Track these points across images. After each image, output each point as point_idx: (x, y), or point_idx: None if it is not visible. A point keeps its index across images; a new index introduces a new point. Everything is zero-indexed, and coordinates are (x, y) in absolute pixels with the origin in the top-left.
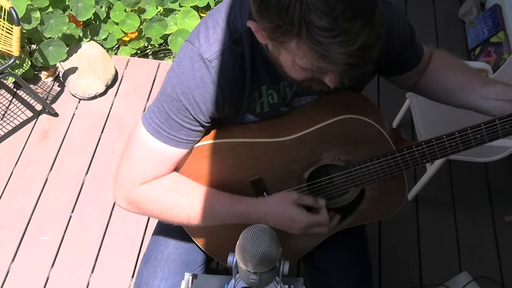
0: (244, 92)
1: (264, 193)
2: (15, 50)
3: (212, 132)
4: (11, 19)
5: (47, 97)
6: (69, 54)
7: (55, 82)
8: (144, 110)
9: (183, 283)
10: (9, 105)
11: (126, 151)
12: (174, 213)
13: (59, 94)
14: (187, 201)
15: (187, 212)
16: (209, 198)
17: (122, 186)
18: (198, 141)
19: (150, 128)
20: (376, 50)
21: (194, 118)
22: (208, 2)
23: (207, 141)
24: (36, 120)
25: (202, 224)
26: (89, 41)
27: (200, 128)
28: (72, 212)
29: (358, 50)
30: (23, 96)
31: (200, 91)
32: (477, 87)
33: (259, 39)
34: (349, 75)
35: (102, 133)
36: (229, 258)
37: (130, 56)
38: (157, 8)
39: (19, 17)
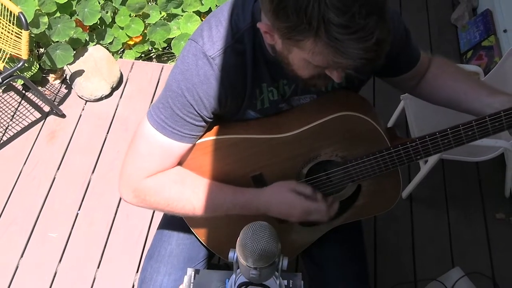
0: (245, 89)
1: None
2: (23, 54)
3: (215, 129)
4: (20, 23)
5: (55, 99)
6: (76, 58)
7: (63, 85)
8: None
9: (186, 278)
10: (18, 106)
11: (132, 146)
12: (180, 205)
13: (66, 96)
14: (192, 192)
15: (192, 203)
16: (213, 190)
17: (127, 180)
18: (201, 137)
19: (155, 123)
20: (388, 44)
21: (198, 113)
22: (210, 7)
23: (210, 137)
24: (44, 121)
25: (206, 215)
26: (95, 45)
27: (203, 123)
28: (79, 209)
29: (374, 45)
30: (31, 98)
31: (204, 87)
32: (483, 96)
33: (267, 40)
34: (363, 69)
35: (107, 133)
36: (230, 254)
37: (135, 59)
38: (160, 13)
39: (28, 22)
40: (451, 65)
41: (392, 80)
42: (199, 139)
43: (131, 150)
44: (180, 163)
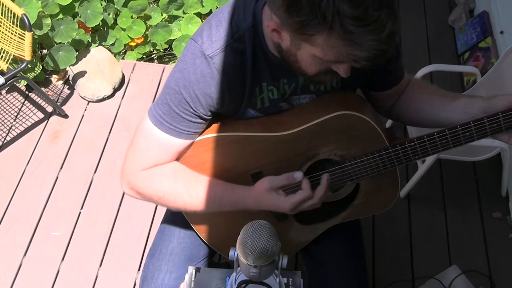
0: (244, 88)
1: None
2: (27, 55)
3: (215, 126)
4: (24, 25)
5: (58, 99)
6: (79, 59)
7: (65, 85)
8: None
9: (187, 276)
10: (22, 107)
11: (132, 141)
12: (171, 199)
13: (69, 96)
14: (184, 188)
15: (183, 198)
16: (204, 187)
17: (125, 172)
18: (202, 134)
19: (154, 119)
20: (398, 37)
21: (194, 110)
22: (211, 9)
23: (211, 134)
24: (47, 121)
25: (198, 210)
26: (97, 46)
27: (200, 121)
28: (81, 208)
29: (387, 36)
30: (34, 98)
31: (201, 86)
32: (446, 103)
33: (274, 38)
34: (376, 61)
35: (109, 133)
36: (231, 253)
37: (136, 60)
38: (162, 15)
39: (31, 24)
40: (422, 83)
41: (375, 95)
42: (198, 136)
43: (131, 145)
44: (179, 160)
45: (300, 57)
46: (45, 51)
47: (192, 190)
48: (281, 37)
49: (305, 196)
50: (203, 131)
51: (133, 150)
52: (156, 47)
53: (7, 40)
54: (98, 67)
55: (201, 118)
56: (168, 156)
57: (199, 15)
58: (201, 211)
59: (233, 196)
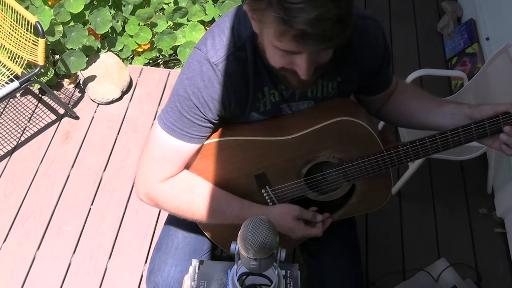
0: (248, 93)
1: (267, 186)
2: (40, 60)
3: (221, 131)
4: (37, 32)
5: (69, 102)
6: (89, 64)
7: (76, 89)
8: (156, 114)
9: (191, 269)
10: (35, 109)
11: (145, 150)
12: (189, 212)
13: (79, 99)
14: (201, 203)
15: (200, 212)
16: (221, 203)
17: (142, 183)
18: (209, 138)
19: (165, 126)
20: (335, 31)
21: (204, 115)
22: (213, 17)
23: (217, 138)
24: (59, 123)
25: (214, 223)
26: (106, 52)
27: (209, 125)
28: (92, 205)
29: (315, 20)
30: (47, 101)
31: (209, 91)
32: (433, 107)
33: (254, 28)
34: (315, 56)
35: (118, 134)
36: (232, 246)
37: (143, 65)
38: (167, 23)
39: (44, 30)
40: (409, 86)
41: (365, 98)
42: (206, 140)
43: (145, 154)
44: (188, 165)
45: (266, 46)
46: (57, 57)
47: (209, 205)
48: (256, 26)
49: (318, 232)
50: (210, 136)
51: (147, 160)
52: (162, 53)
53: (21, 46)
54: (107, 71)
55: (210, 122)
56: (181, 161)
57: (202, 22)
58: (216, 223)
59: (249, 214)
